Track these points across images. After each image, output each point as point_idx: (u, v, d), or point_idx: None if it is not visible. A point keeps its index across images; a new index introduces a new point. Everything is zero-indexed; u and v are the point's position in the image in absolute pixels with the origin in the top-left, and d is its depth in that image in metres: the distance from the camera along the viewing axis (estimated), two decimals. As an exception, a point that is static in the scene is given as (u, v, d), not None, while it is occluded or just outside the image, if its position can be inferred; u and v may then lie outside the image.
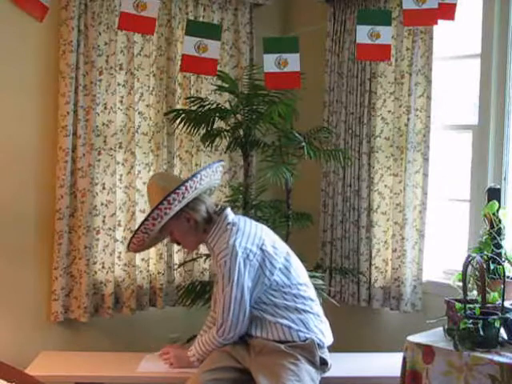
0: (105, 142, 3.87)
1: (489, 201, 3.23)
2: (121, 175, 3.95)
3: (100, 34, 3.80)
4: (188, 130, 3.80)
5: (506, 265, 3.11)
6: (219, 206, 3.19)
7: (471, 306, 2.81)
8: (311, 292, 3.13)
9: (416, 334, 2.92)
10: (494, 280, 3.05)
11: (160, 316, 4.12)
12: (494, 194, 3.26)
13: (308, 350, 2.96)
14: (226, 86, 3.84)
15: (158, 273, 4.06)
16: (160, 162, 4.04)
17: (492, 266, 3.08)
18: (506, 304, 2.84)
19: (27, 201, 3.72)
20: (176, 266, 4.12)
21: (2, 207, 3.64)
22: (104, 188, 3.87)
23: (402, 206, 3.92)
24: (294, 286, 3.04)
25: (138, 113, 3.99)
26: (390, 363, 3.14)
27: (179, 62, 3.75)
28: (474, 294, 3.05)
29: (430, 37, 3.81)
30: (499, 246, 3.14)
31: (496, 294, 2.93)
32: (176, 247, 4.12)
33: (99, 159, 3.85)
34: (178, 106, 4.05)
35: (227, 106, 3.96)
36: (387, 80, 4.01)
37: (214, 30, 3.53)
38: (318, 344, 2.99)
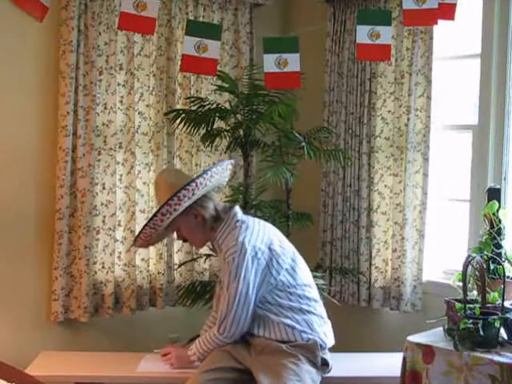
0: (105, 142, 3.87)
1: (489, 201, 3.22)
2: (121, 175, 3.95)
3: (100, 34, 3.80)
4: (188, 130, 3.80)
5: (506, 265, 3.10)
6: (227, 205, 3.18)
7: (471, 306, 2.81)
8: (315, 293, 3.13)
9: (416, 334, 2.91)
10: (493, 280, 3.04)
11: (160, 316, 4.11)
12: (494, 194, 3.25)
13: (310, 351, 2.95)
14: (226, 86, 3.84)
15: (158, 273, 4.06)
16: (160, 162, 4.04)
17: (492, 266, 3.07)
18: (506, 304, 2.84)
19: (27, 201, 3.72)
20: (176, 266, 4.12)
21: (2, 207, 3.64)
22: (104, 188, 3.87)
23: (402, 206, 3.92)
24: (300, 286, 3.04)
25: (138, 113, 3.99)
26: (390, 363, 3.13)
27: (179, 62, 3.75)
28: (474, 293, 3.04)
29: (430, 37, 3.81)
30: (499, 246, 3.13)
31: (496, 294, 2.93)
32: (176, 247, 4.12)
33: (99, 159, 3.85)
34: (178, 106, 4.05)
35: (227, 105, 3.96)
36: (387, 80, 4.01)
37: (214, 30, 3.53)
38: (320, 345, 2.99)
